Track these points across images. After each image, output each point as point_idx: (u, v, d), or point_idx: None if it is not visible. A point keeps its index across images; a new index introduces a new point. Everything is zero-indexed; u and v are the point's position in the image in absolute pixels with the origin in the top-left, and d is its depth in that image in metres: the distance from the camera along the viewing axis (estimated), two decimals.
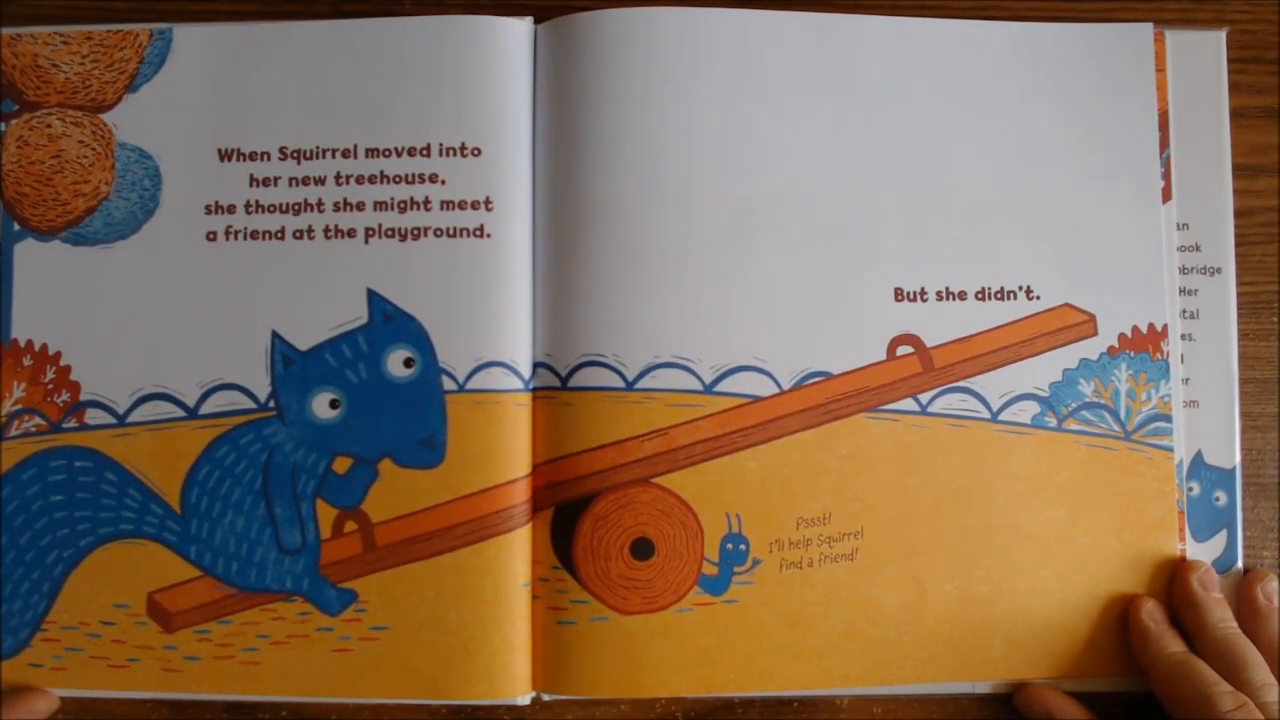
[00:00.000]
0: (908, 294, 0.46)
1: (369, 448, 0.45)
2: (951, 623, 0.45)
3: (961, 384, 0.46)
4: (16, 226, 0.46)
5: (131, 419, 0.45)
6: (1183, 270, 0.48)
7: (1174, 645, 0.44)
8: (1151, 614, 0.45)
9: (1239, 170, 0.49)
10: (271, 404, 0.45)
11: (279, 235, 0.46)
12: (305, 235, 0.46)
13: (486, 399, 0.45)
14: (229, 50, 0.47)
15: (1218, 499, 0.47)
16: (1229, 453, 0.47)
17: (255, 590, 0.45)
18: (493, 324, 0.45)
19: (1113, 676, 0.46)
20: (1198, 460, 0.47)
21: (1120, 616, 0.46)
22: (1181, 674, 0.43)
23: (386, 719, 0.46)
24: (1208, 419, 0.48)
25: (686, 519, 0.45)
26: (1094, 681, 0.46)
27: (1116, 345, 0.47)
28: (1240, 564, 0.47)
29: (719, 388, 0.45)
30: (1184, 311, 0.48)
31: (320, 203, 0.46)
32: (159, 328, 0.46)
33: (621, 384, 0.45)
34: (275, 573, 0.45)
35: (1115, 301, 0.47)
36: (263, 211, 0.46)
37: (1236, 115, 0.49)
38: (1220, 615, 0.44)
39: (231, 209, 0.46)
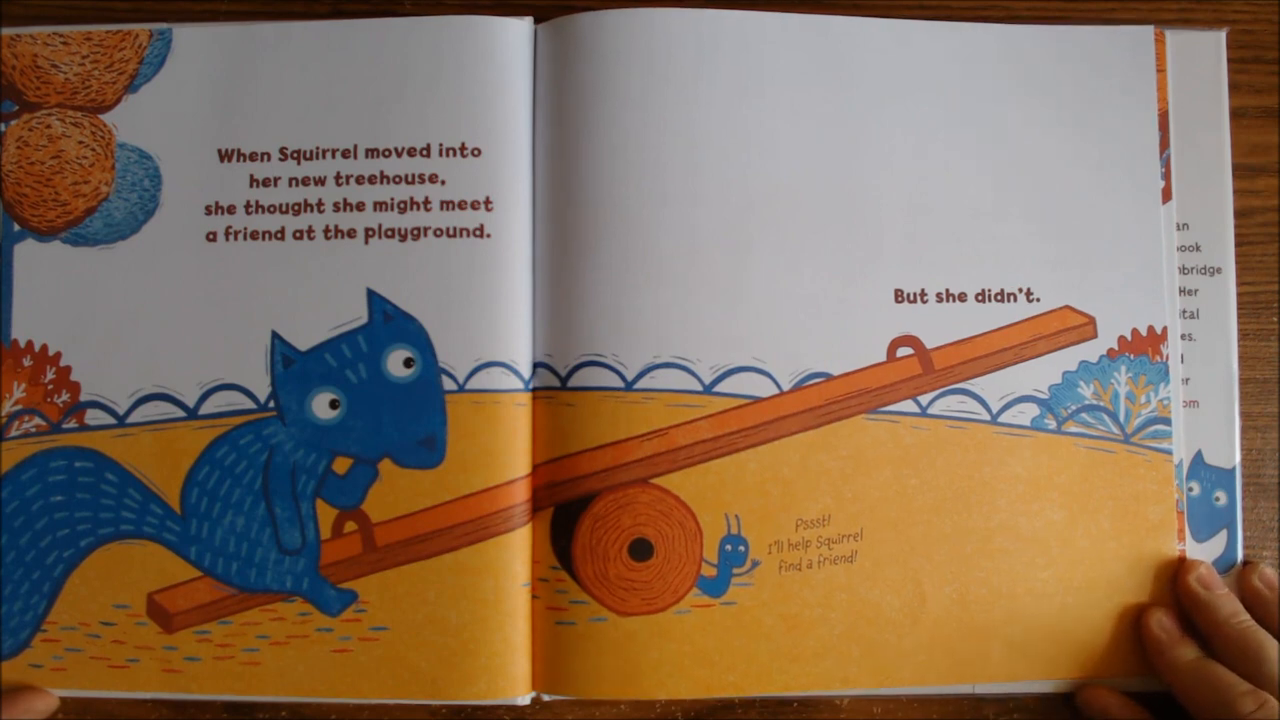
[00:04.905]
0: (908, 295, 0.46)
1: (369, 448, 0.45)
2: (951, 625, 0.45)
3: (961, 386, 0.46)
4: (16, 227, 0.46)
5: (131, 419, 0.45)
6: (1183, 270, 0.48)
7: (1188, 652, 0.44)
8: (1161, 623, 0.45)
9: (1239, 170, 0.49)
10: (271, 404, 0.45)
11: (279, 235, 0.46)
12: (305, 235, 0.46)
13: (486, 399, 0.45)
14: (229, 50, 0.47)
15: (1218, 499, 0.47)
16: (1229, 453, 0.47)
17: (255, 590, 0.45)
18: (492, 324, 0.45)
19: (1112, 678, 0.46)
20: (1198, 460, 0.47)
21: (1119, 618, 0.46)
22: (1199, 679, 0.43)
23: (386, 719, 0.47)
24: (1208, 419, 0.47)
25: (685, 520, 0.45)
26: (1095, 682, 0.46)
27: (1116, 348, 0.47)
28: (1240, 564, 0.47)
29: (718, 388, 0.45)
30: (1184, 311, 0.48)
31: (320, 203, 0.46)
32: (159, 328, 0.46)
33: (621, 384, 0.45)
34: (275, 573, 0.45)
35: (1115, 303, 0.47)
36: (263, 212, 0.46)
37: (1236, 115, 0.49)
38: (1231, 610, 0.44)
39: (231, 209, 0.46)
